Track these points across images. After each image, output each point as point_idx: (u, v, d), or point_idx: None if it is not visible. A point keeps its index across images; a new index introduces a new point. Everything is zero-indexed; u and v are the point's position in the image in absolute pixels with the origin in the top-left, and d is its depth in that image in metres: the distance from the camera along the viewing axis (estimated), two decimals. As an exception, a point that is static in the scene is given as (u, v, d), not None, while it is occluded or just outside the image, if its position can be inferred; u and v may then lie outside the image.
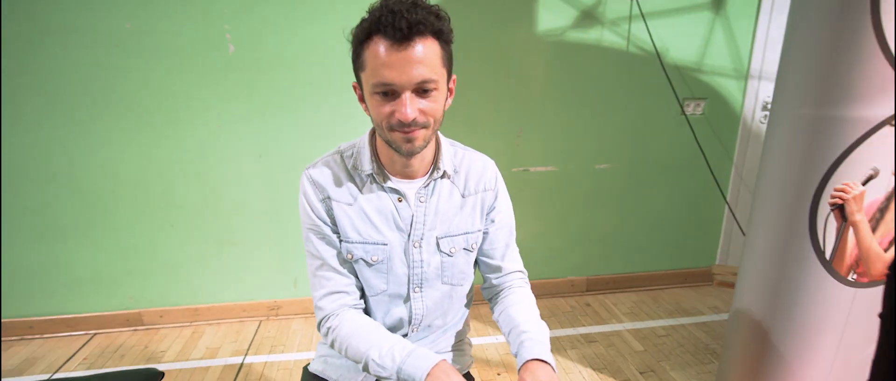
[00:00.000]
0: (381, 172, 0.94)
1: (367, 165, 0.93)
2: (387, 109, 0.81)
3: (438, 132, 0.98)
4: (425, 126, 0.83)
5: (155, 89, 1.95)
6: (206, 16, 1.91)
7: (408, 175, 0.95)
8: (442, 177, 0.97)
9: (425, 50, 0.78)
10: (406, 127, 0.82)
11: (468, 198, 0.99)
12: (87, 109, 1.94)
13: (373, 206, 0.94)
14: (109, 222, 2.08)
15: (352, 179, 0.94)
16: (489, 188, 1.01)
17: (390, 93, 0.80)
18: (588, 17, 2.17)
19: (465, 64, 2.12)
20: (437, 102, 0.83)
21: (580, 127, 2.31)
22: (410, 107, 0.79)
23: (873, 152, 1.26)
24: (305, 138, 2.08)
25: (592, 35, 2.20)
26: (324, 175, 0.94)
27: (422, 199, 0.95)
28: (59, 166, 1.98)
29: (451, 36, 0.83)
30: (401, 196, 0.94)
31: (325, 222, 0.94)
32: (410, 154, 0.87)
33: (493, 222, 1.03)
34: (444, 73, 0.83)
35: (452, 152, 1.01)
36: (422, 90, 0.80)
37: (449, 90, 0.88)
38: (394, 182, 0.94)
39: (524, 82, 2.21)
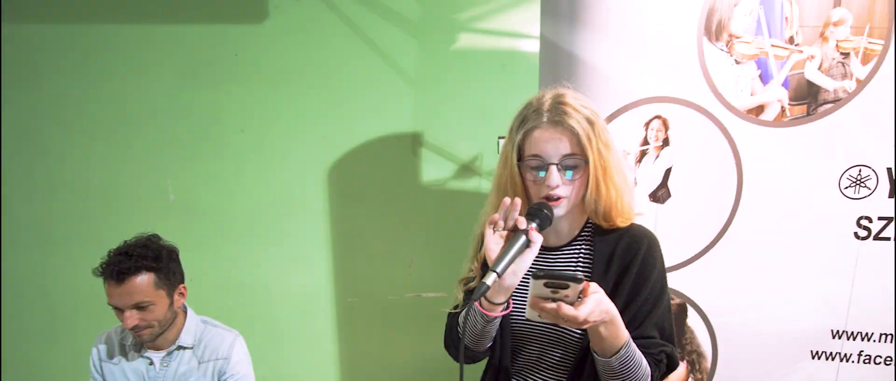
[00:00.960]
0: (138, 344, 1.40)
1: (129, 338, 1.40)
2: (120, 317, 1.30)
3: (191, 313, 1.44)
4: (148, 326, 1.30)
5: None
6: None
7: (156, 347, 1.40)
8: (180, 349, 1.41)
9: (139, 283, 1.26)
10: (133, 330, 1.29)
11: (203, 364, 1.42)
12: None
13: (131, 367, 1.40)
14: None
15: (122, 348, 1.41)
16: (222, 357, 1.43)
17: (118, 310, 1.29)
18: (466, 170, 2.58)
19: (361, 209, 2.58)
20: (154, 313, 1.30)
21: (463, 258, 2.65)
22: (129, 320, 1.27)
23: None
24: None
25: (471, 183, 2.59)
26: (103, 343, 1.42)
27: (165, 364, 1.40)
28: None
29: (168, 267, 1.32)
30: (151, 361, 1.39)
31: (99, 377, 1.41)
32: (145, 342, 1.34)
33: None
34: (159, 293, 1.30)
35: (202, 329, 1.45)
36: (138, 307, 1.28)
37: (180, 294, 1.35)
38: (147, 352, 1.40)
39: (413, 223, 2.62)
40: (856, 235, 1.49)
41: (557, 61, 1.43)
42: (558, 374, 1.15)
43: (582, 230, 1.17)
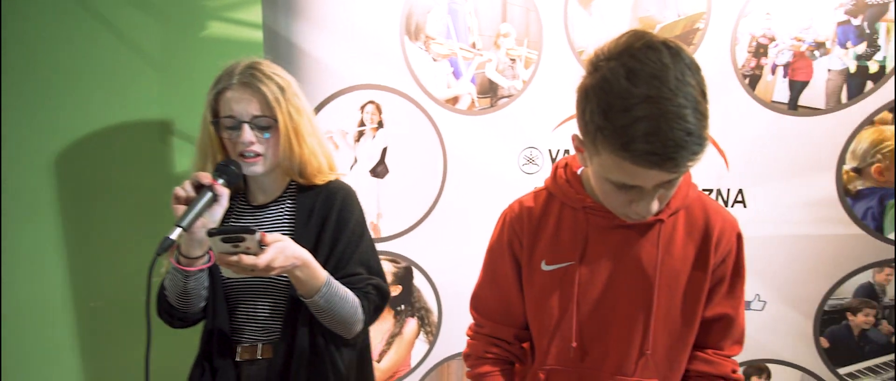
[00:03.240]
0: None
1: None
2: None
3: None
4: None
5: None
6: None
7: None
8: None
9: None
10: None
11: None
12: None
13: None
14: None
15: None
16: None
17: None
18: (224, 160, 2.55)
19: (101, 203, 2.37)
20: None
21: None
22: None
23: None
24: None
25: (230, 174, 2.57)
26: None
27: None
28: None
29: None
30: None
31: None
32: None
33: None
34: None
35: None
36: None
37: None
38: None
39: (164, 215, 2.47)
40: (532, 202, 1.90)
41: (278, 48, 1.56)
42: (273, 323, 1.27)
43: (286, 189, 1.31)
